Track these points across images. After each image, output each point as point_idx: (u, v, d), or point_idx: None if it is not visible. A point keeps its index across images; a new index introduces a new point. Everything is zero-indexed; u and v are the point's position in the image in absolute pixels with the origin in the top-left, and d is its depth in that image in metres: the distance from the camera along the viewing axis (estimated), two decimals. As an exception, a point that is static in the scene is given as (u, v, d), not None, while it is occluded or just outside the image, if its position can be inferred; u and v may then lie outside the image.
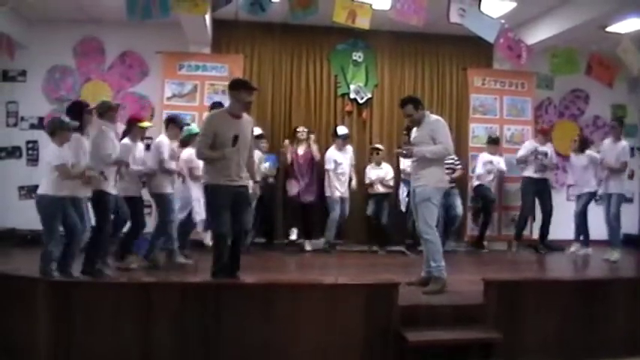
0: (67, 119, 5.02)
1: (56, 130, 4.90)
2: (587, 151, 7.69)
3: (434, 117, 5.26)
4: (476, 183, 7.99)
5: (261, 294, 4.33)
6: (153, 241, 6.01)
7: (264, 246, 7.62)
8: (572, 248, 7.69)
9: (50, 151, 4.90)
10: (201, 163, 5.34)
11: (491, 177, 7.93)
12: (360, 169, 7.86)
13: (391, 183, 7.75)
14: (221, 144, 4.71)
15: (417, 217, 5.16)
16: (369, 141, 8.27)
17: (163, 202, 5.95)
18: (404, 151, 5.32)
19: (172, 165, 5.93)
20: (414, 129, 5.26)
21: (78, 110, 5.27)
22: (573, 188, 8.22)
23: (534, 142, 8.00)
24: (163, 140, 5.96)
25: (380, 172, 7.71)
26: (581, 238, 7.65)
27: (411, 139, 5.26)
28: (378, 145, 7.88)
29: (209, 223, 5.86)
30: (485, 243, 8.01)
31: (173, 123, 6.13)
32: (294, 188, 7.51)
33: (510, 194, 8.23)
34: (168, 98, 7.65)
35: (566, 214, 7.90)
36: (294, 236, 7.55)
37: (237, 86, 4.86)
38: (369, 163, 7.90)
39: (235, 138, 4.68)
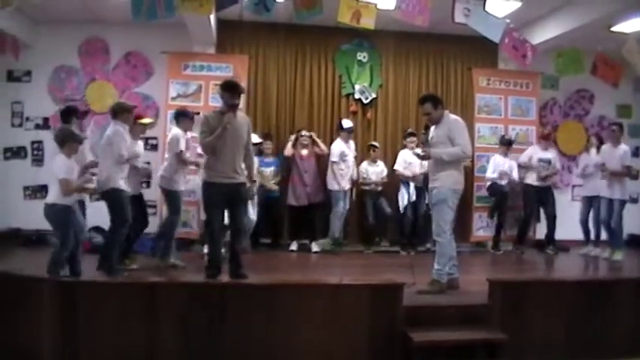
0: (78, 131, 5.10)
1: (67, 141, 4.91)
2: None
3: (453, 117, 5.25)
4: (489, 182, 7.90)
5: (265, 294, 4.32)
6: (166, 239, 6.05)
7: (270, 247, 7.63)
8: (593, 252, 7.50)
9: (59, 162, 4.88)
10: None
11: (504, 182, 7.81)
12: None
13: (385, 179, 7.78)
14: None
15: (433, 219, 5.18)
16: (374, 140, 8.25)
17: (173, 199, 6.01)
18: (421, 153, 5.32)
19: (188, 155, 6.09)
20: (432, 128, 5.24)
21: (67, 115, 5.76)
22: (580, 189, 8.17)
23: (537, 148, 7.93)
24: (178, 133, 6.03)
25: (377, 169, 7.78)
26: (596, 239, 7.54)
27: (429, 138, 5.23)
28: (375, 143, 7.92)
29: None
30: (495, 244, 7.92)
31: (183, 116, 6.20)
32: (299, 198, 7.49)
33: (516, 193, 8.10)
34: (173, 98, 7.64)
35: (572, 214, 7.88)
36: (294, 247, 7.53)
37: (221, 87, 5.17)
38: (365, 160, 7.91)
39: (225, 126, 4.93)
